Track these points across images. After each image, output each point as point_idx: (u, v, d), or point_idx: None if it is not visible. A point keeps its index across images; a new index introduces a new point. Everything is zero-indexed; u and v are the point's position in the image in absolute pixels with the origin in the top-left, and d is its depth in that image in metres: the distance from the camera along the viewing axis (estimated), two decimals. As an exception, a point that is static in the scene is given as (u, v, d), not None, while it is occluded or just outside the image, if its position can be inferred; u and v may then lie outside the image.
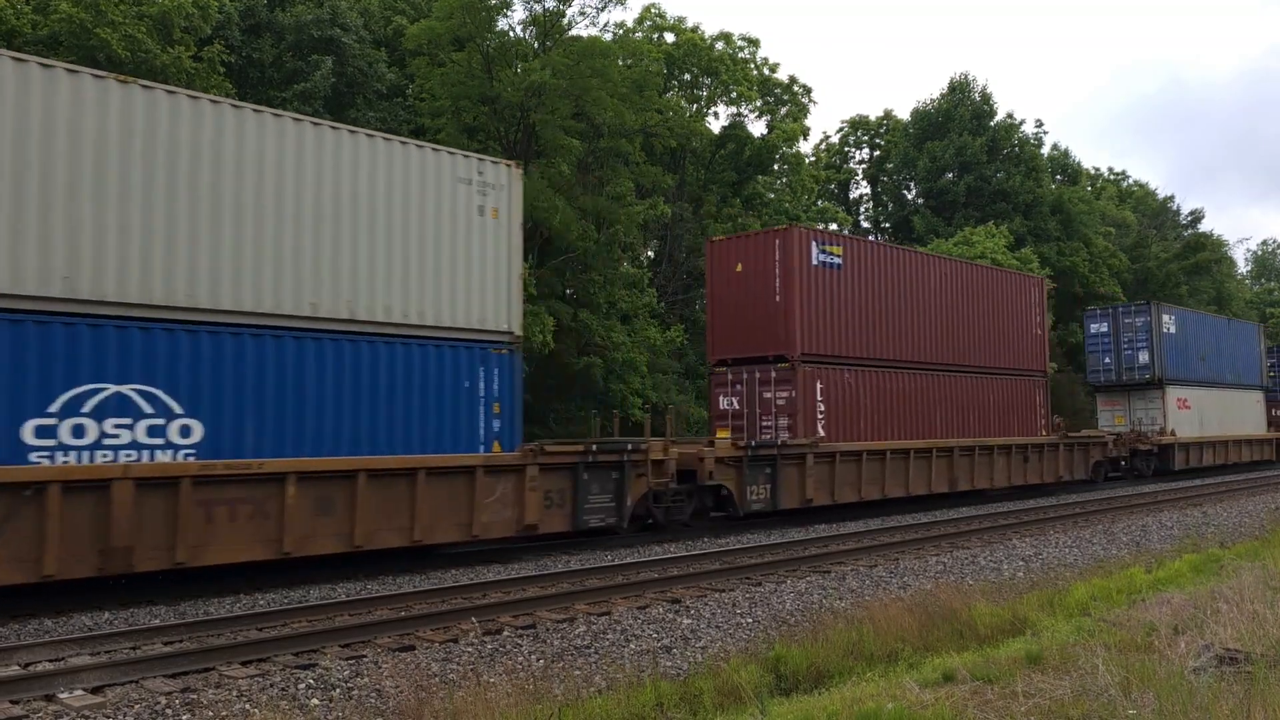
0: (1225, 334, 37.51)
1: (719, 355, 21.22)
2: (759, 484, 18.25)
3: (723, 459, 17.75)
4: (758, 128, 42.74)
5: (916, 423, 22.25)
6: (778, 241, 20.11)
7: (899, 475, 21.38)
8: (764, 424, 20.16)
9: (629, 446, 15.96)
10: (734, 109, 41.98)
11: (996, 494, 25.73)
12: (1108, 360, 33.76)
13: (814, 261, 20.09)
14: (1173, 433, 32.22)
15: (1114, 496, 24.93)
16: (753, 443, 18.48)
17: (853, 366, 20.92)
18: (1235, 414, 37.04)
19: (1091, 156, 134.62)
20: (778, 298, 19.97)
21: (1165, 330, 32.87)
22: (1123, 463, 30.56)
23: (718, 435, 20.30)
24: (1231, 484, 29.91)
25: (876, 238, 57.55)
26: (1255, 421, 38.88)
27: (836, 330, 20.64)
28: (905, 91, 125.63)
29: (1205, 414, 34.52)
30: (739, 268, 20.63)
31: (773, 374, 19.99)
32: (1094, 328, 34.59)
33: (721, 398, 20.97)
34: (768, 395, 20.08)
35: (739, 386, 20.61)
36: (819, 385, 20.02)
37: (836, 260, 20.64)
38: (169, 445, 11.25)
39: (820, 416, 20.01)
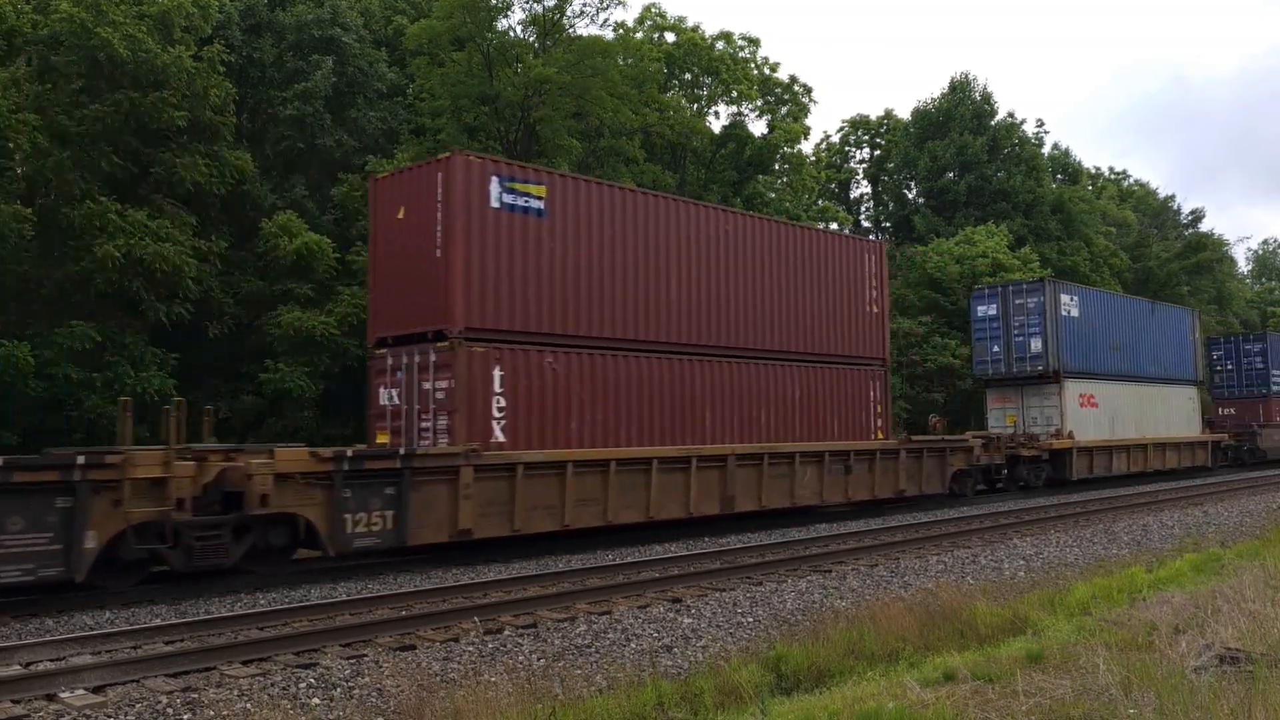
0: (1147, 320, 32.56)
1: (379, 333, 16.26)
2: (372, 511, 13.07)
3: (291, 475, 12.32)
4: (758, 127, 42.77)
5: (673, 423, 17.35)
6: (440, 175, 15.03)
7: (634, 494, 16.25)
8: (423, 424, 15.12)
9: (80, 460, 10.87)
10: (734, 108, 42.01)
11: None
12: (996, 349, 28.78)
13: (494, 203, 15.08)
14: (1070, 435, 27.35)
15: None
16: (348, 452, 13.11)
17: (561, 348, 15.75)
18: (1159, 413, 32.29)
19: (1092, 156, 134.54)
20: (438, 252, 14.94)
21: (1064, 313, 28.04)
22: (1003, 471, 25.78)
23: (377, 439, 15.90)
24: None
25: (877, 237, 57.54)
26: (1186, 422, 34.19)
27: (533, 298, 15.44)
28: (905, 91, 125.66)
29: (1118, 413, 29.84)
30: (401, 213, 15.76)
31: (431, 356, 14.94)
32: (981, 310, 29.34)
33: (382, 390, 15.95)
34: (427, 385, 15.06)
35: (400, 374, 15.57)
36: (497, 372, 14.79)
37: (535, 204, 15.61)
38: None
39: (499, 415, 14.78)
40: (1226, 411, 41.12)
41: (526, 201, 15.57)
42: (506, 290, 15.25)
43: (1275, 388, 41.00)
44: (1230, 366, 41.74)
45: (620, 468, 16.11)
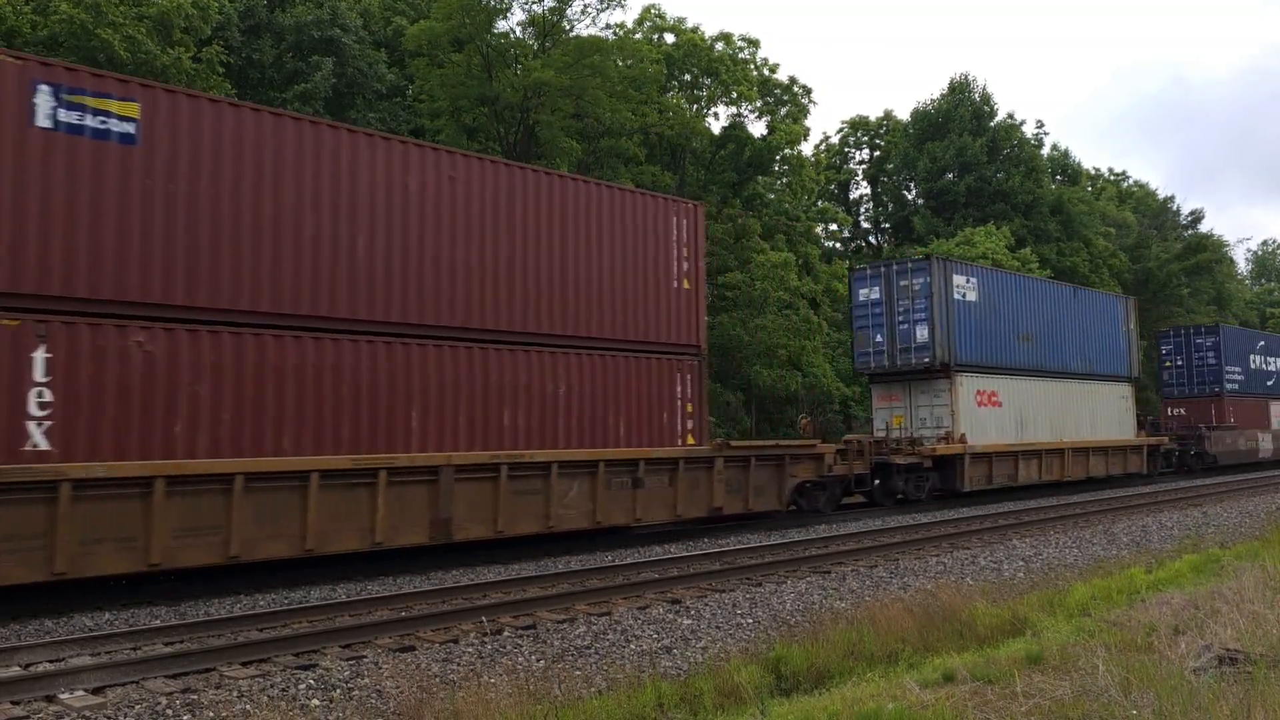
0: (1068, 307, 28.38)
1: None
2: None
3: None
4: (758, 128, 42.80)
5: (357, 427, 13.30)
6: None
7: (282, 521, 12.27)
8: None
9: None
10: (734, 109, 42.03)
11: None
12: (880, 339, 24.64)
13: (44, 121, 11.08)
14: (962, 438, 23.41)
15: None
16: None
17: (162, 323, 11.73)
18: (1084, 414, 28.31)
19: (1092, 157, 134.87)
20: None
21: (958, 296, 24.15)
22: (875, 482, 22.21)
23: None
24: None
25: (876, 238, 57.57)
26: (1118, 423, 30.01)
27: (112, 255, 11.41)
28: (905, 92, 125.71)
29: (1029, 413, 26.02)
30: None
31: None
32: (862, 293, 25.07)
33: None
34: None
35: None
36: (40, 354, 10.84)
37: (119, 126, 11.63)
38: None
39: (40, 414, 10.81)
40: (1176, 412, 37.58)
41: (104, 122, 11.53)
42: (63, 242, 11.09)
43: (1229, 386, 37.51)
44: (1180, 363, 38.22)
45: (255, 485, 12.00)
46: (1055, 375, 27.40)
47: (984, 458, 24.18)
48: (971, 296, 24.51)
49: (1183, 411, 37.35)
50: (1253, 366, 39.34)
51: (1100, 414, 29.05)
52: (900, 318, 24.27)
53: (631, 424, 16.61)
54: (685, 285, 17.89)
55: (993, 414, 24.84)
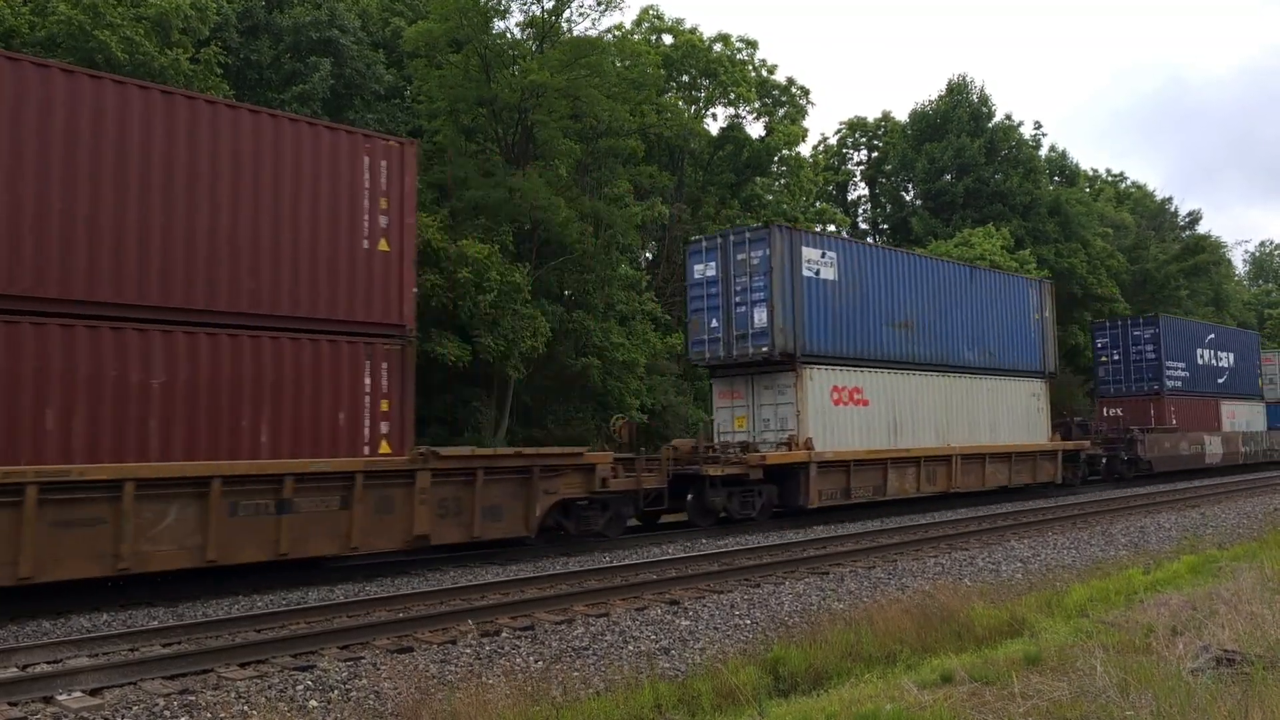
0: (963, 290, 24.32)
1: None
2: None
3: None
4: (756, 129, 42.82)
5: None
6: None
7: None
8: None
9: None
10: (732, 110, 42.05)
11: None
12: (715, 323, 20.65)
13: None
14: (808, 443, 19.46)
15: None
16: None
17: None
18: (981, 414, 24.32)
19: (1092, 158, 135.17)
20: None
21: (808, 273, 20.09)
22: (689, 497, 18.37)
23: None
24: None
25: (875, 239, 57.62)
26: (1027, 425, 26.03)
27: None
28: (904, 92, 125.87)
29: (905, 413, 22.02)
30: None
31: None
32: (698, 269, 21.12)
33: None
34: None
35: None
36: None
37: None
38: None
39: None
40: (1113, 412, 33.64)
41: None
42: None
43: (1171, 384, 33.68)
44: (1117, 357, 34.44)
45: None
46: (944, 369, 23.36)
47: (838, 467, 20.08)
48: (828, 274, 20.49)
49: (1119, 412, 33.54)
50: (1200, 362, 35.75)
51: (1004, 414, 25.12)
52: (737, 298, 20.22)
53: (282, 428, 12.46)
54: (383, 247, 13.69)
55: (856, 414, 20.80)
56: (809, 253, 20.24)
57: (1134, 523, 19.51)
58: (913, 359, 22.56)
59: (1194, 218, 68.99)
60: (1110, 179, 70.55)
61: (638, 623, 10.29)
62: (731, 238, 20.68)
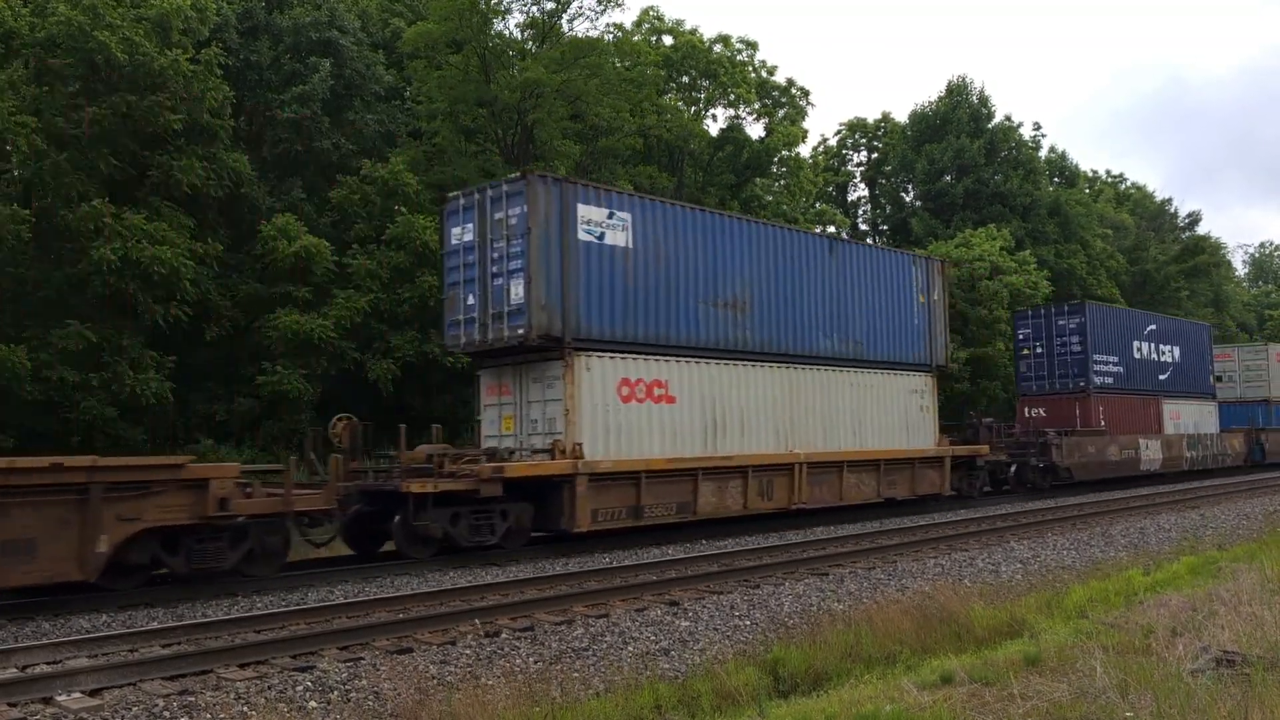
0: (817, 264, 20.17)
1: None
2: None
3: None
4: (755, 130, 42.86)
5: None
6: None
7: None
8: None
9: None
10: (732, 111, 42.09)
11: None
12: (472, 300, 16.61)
13: None
14: (576, 451, 15.36)
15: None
16: None
17: None
18: (841, 414, 20.25)
19: (1092, 158, 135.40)
20: None
21: (585, 236, 16.08)
22: (416, 525, 13.95)
23: None
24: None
25: (874, 240, 57.68)
26: (907, 427, 21.81)
27: None
28: (903, 93, 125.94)
29: (731, 412, 17.98)
30: None
31: None
32: (454, 233, 17.01)
33: None
34: None
35: None
36: None
37: None
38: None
39: None
40: (1035, 413, 29.89)
41: None
42: None
43: (1099, 380, 29.63)
44: (1040, 350, 30.38)
45: None
46: (790, 360, 19.36)
47: (624, 480, 16.03)
48: (617, 239, 16.56)
49: (1042, 412, 29.76)
50: (1138, 356, 31.83)
51: (874, 415, 21.09)
52: (494, 268, 16.13)
53: None
54: None
55: (657, 414, 16.83)
56: (588, 211, 16.28)
57: (1134, 524, 19.52)
58: (743, 346, 18.48)
59: (1194, 218, 69.11)
60: (1110, 179, 70.64)
61: (637, 623, 10.29)
62: (489, 192, 16.45)
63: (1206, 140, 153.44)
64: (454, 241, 17.06)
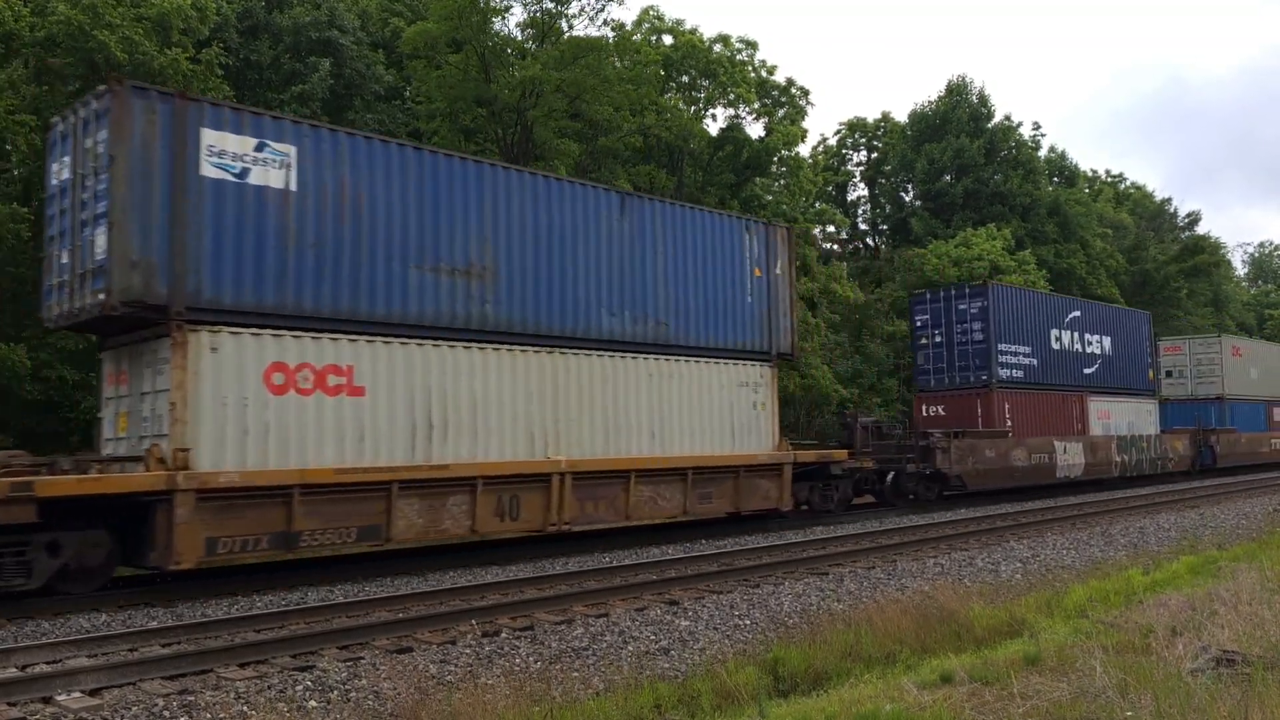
0: (606, 226, 16.57)
1: None
2: None
3: None
4: (755, 130, 42.81)
5: None
6: None
7: None
8: None
9: None
10: (732, 111, 42.05)
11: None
12: (66, 259, 12.99)
13: None
14: (180, 458, 11.50)
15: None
16: None
17: None
18: (637, 412, 16.66)
19: (1092, 158, 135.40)
20: None
21: (215, 171, 12.28)
22: None
23: None
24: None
25: (874, 239, 57.69)
26: (733, 428, 18.16)
27: None
28: (903, 93, 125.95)
29: (453, 409, 14.22)
30: None
31: None
32: (54, 171, 13.30)
33: None
34: None
35: None
36: None
37: None
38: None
39: None
40: (934, 411, 26.17)
41: None
42: None
43: (1005, 373, 25.73)
44: (939, 339, 26.34)
45: None
46: (552, 342, 15.65)
47: (261, 499, 12.11)
48: (270, 178, 12.73)
49: (941, 410, 26.04)
50: (1057, 347, 27.88)
51: (684, 413, 17.39)
52: (83, 213, 12.29)
53: None
54: None
55: (332, 410, 13.00)
56: (221, 139, 12.37)
57: (1133, 523, 19.52)
58: (480, 325, 14.76)
59: (1193, 218, 69.16)
60: (1110, 179, 70.66)
61: (637, 623, 10.29)
62: (81, 113, 12.54)
63: (1206, 140, 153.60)
64: (53, 182, 13.23)
